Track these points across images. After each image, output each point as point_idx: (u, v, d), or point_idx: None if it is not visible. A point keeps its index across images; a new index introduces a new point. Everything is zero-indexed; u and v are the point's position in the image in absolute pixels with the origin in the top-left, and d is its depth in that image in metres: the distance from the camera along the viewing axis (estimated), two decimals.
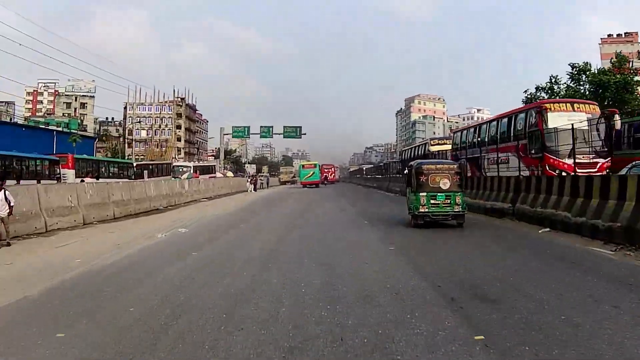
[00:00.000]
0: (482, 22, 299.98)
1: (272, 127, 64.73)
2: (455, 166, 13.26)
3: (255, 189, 41.80)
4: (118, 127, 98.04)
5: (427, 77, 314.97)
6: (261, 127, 64.65)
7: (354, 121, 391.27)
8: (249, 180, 44.55)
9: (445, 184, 12.48)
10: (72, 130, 74.61)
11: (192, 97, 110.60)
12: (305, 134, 65.57)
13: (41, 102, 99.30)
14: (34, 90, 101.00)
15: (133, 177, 38.47)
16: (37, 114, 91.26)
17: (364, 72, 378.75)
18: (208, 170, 57.32)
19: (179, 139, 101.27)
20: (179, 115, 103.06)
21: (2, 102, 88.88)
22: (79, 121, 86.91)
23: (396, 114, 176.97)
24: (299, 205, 24.90)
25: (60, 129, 59.95)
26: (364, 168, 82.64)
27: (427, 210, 12.37)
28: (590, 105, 17.52)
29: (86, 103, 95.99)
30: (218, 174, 55.31)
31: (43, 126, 61.96)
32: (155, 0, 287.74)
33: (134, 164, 46.41)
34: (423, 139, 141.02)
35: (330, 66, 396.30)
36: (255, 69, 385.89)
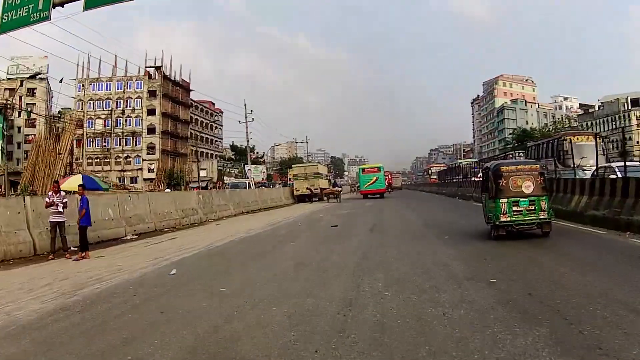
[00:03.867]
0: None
1: None
2: (539, 166, 11.36)
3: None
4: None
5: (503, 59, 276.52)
6: None
7: (418, 120, 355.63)
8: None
9: (528, 187, 10.73)
10: None
11: (180, 70, 78.72)
12: None
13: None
14: None
15: None
16: None
17: (419, 70, 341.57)
18: None
19: (151, 130, 70.00)
20: (152, 93, 68.77)
21: None
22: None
23: (472, 103, 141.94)
24: None
25: None
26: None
27: (509, 219, 10.69)
28: None
29: (35, 89, 68.25)
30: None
31: None
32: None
33: None
34: (515, 129, 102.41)
35: (383, 65, 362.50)
36: (307, 77, 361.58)
